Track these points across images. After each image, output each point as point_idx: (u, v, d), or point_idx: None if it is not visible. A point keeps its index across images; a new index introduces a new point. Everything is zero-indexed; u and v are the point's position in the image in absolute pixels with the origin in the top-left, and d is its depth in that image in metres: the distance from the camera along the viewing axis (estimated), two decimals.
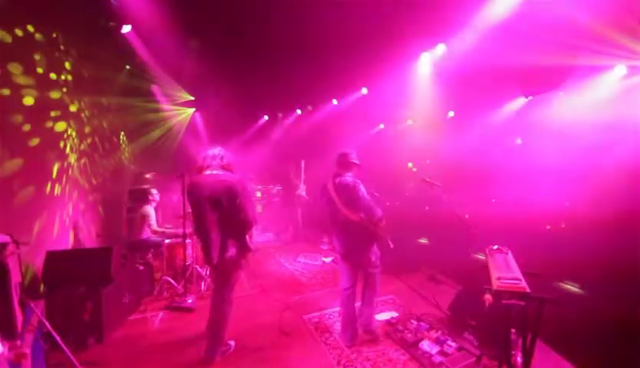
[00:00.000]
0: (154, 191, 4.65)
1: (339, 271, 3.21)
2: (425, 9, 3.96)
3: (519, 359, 1.95)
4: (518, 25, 3.90)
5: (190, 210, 2.93)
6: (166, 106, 7.42)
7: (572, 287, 4.00)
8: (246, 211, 2.58)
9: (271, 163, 8.55)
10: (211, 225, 2.57)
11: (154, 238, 4.40)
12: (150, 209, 4.44)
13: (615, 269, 3.49)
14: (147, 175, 6.03)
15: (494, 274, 2.05)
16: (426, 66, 5.76)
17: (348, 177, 2.93)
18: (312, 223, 7.20)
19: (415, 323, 3.25)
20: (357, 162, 3.02)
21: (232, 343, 2.96)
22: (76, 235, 4.19)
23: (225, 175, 2.62)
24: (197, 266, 4.33)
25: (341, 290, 3.09)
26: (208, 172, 2.63)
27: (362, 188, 2.87)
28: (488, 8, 4.09)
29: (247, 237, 2.70)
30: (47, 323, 2.30)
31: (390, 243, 2.94)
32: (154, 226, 4.40)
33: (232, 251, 2.61)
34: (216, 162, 2.66)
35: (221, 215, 2.56)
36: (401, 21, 4.39)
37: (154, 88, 6.99)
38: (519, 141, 5.81)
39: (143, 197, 4.61)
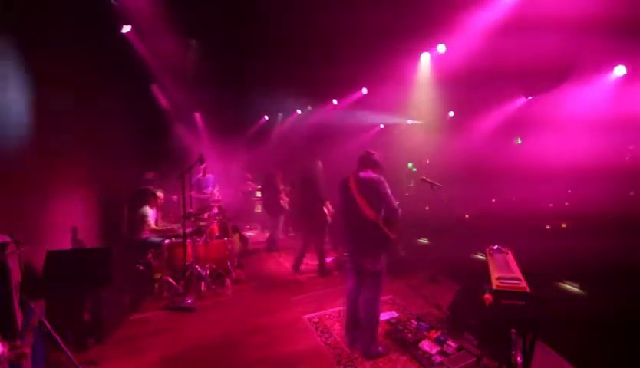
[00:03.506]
0: (160, 194, 4.63)
1: (347, 271, 3.14)
2: (425, 9, 3.97)
3: (519, 359, 1.95)
4: (518, 25, 3.90)
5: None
6: (166, 106, 7.42)
7: (572, 287, 4.00)
8: (317, 189, 4.66)
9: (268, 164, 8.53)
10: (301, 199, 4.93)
11: (154, 238, 4.40)
12: (148, 209, 4.44)
13: (615, 268, 3.49)
14: (147, 176, 6.02)
15: (494, 274, 2.05)
16: (426, 66, 5.76)
17: (373, 173, 2.86)
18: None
19: (415, 323, 3.25)
20: (380, 162, 2.95)
21: None
22: (76, 235, 4.19)
23: (306, 172, 4.80)
24: (197, 266, 4.32)
25: (346, 290, 3.05)
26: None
27: (387, 186, 2.80)
28: (488, 7, 4.10)
29: (324, 206, 4.68)
30: (47, 323, 2.30)
31: (402, 250, 2.85)
32: (152, 225, 4.40)
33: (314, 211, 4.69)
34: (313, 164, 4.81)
35: (305, 194, 4.79)
36: (402, 21, 4.39)
37: (154, 88, 7.00)
38: (519, 141, 5.82)
39: (143, 197, 4.61)
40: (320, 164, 4.81)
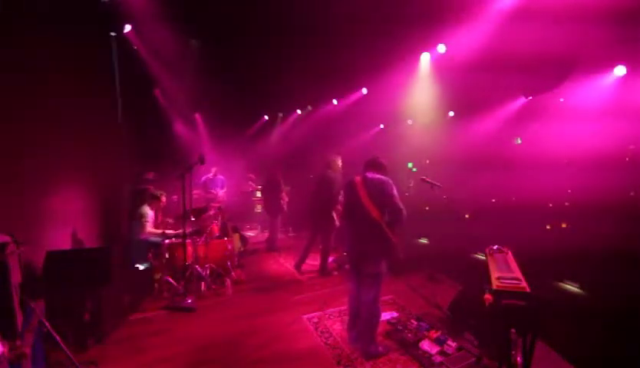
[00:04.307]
0: (163, 198, 4.61)
1: (348, 272, 3.16)
2: (425, 9, 3.97)
3: (519, 359, 1.95)
4: (518, 25, 3.90)
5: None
6: (166, 105, 7.43)
7: (572, 287, 4.00)
8: (331, 192, 4.54)
9: (269, 164, 8.52)
10: (314, 199, 4.79)
11: (154, 238, 4.39)
12: (147, 210, 4.43)
13: (615, 268, 3.49)
14: (148, 176, 6.02)
15: (494, 274, 2.05)
16: (426, 66, 5.77)
17: (381, 175, 2.90)
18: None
19: (415, 323, 3.25)
20: (387, 166, 3.01)
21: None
22: (76, 235, 4.19)
23: (325, 173, 4.64)
24: (197, 266, 4.32)
25: (348, 291, 3.07)
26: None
27: (394, 188, 2.83)
28: (488, 7, 4.10)
29: (333, 213, 4.67)
30: (47, 323, 2.30)
31: (401, 253, 2.86)
32: (148, 228, 4.37)
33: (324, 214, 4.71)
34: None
35: (319, 195, 4.66)
36: (401, 21, 4.39)
37: (154, 88, 7.00)
38: (518, 141, 5.82)
39: (142, 197, 4.60)
40: (339, 161, 4.65)
